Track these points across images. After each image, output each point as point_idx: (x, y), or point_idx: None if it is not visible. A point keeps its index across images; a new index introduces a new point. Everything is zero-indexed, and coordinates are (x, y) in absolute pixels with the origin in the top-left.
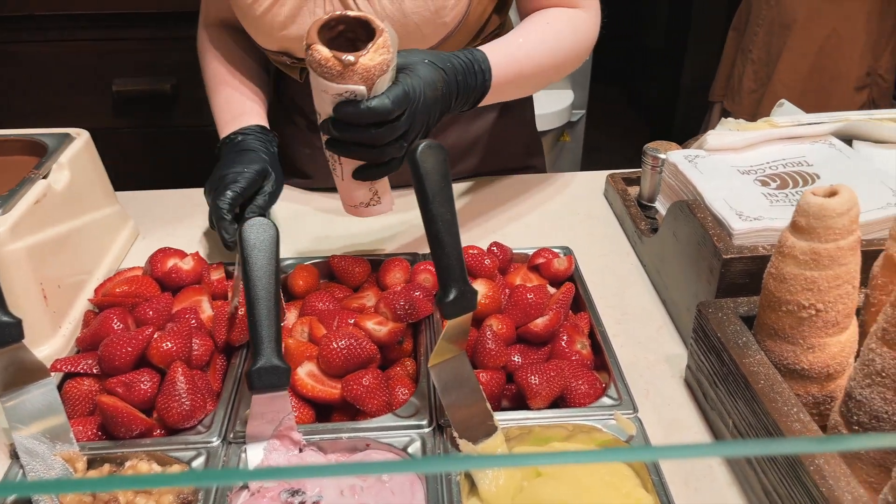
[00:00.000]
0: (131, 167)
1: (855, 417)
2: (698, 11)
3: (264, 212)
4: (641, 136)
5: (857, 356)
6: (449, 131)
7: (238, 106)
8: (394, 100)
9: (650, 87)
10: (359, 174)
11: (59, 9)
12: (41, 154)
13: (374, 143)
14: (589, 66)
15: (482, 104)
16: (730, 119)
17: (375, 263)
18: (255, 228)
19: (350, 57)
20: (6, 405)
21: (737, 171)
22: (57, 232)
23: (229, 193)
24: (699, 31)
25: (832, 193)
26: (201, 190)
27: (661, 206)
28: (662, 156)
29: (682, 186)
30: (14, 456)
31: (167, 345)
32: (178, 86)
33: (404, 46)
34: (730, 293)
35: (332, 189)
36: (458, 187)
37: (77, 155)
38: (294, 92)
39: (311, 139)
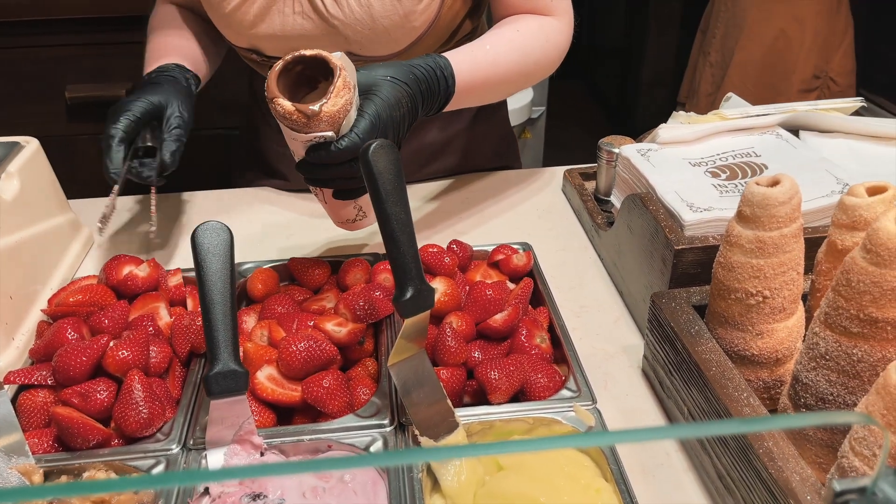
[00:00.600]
0: (86, 174)
1: (802, 400)
2: (656, 7)
3: (175, 141)
4: (601, 131)
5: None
6: (425, 131)
7: (162, 50)
8: (362, 135)
9: (608, 82)
10: (339, 195)
11: (9, 15)
12: None
13: (353, 176)
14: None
15: (447, 109)
16: (681, 112)
17: (336, 265)
18: (208, 232)
19: (314, 107)
20: None
21: (688, 163)
22: (7, 242)
23: (122, 121)
24: (658, 27)
25: (774, 183)
26: (156, 195)
27: (616, 199)
28: (616, 150)
29: (635, 180)
30: None
31: (123, 353)
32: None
33: (374, 50)
34: (682, 283)
35: (307, 189)
36: (428, 187)
37: (26, 163)
38: (262, 89)
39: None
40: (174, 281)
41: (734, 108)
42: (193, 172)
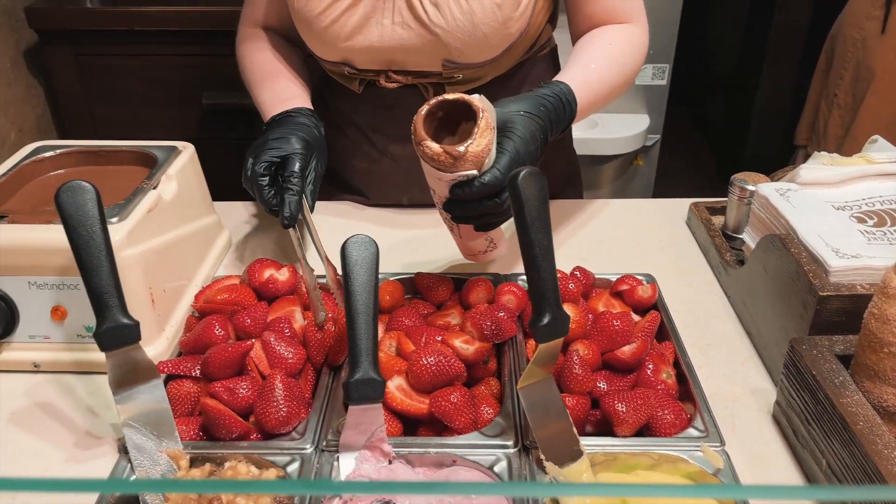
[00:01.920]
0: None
1: None
2: (775, 38)
3: (313, 191)
4: (709, 162)
5: None
6: None
7: (286, 92)
8: (503, 170)
9: (716, 111)
10: (479, 228)
11: (156, 25)
12: (151, 165)
13: (495, 211)
14: (666, 92)
15: None
16: (823, 153)
17: (458, 282)
18: (357, 245)
19: (460, 148)
20: (118, 402)
21: (831, 206)
22: (164, 239)
23: (297, 166)
24: (775, 59)
25: None
26: None
27: (749, 238)
28: (751, 187)
29: (773, 220)
30: (122, 450)
31: (265, 354)
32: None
33: (471, 57)
34: (823, 331)
35: (388, 204)
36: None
37: (183, 167)
38: (347, 105)
39: (368, 152)
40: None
41: (882, 151)
42: None
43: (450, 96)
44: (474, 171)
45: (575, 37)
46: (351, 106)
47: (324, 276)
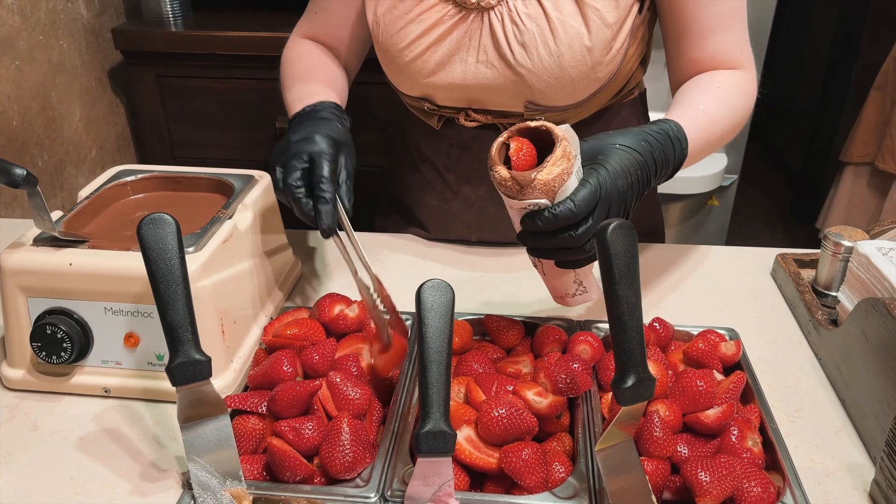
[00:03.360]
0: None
1: None
2: (859, 76)
3: (348, 191)
4: (784, 203)
5: None
6: None
7: (312, 90)
8: (579, 203)
9: (792, 149)
10: (561, 264)
11: (235, 49)
12: (228, 193)
13: (571, 246)
14: (747, 130)
15: None
16: None
17: (528, 326)
18: (433, 290)
19: (530, 174)
20: (185, 435)
21: None
22: (237, 270)
23: (326, 171)
24: (859, 97)
25: None
26: (364, 234)
27: (844, 298)
28: (848, 243)
29: (874, 281)
30: (186, 485)
31: (331, 394)
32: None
33: (555, 100)
34: None
35: (450, 240)
36: None
37: (259, 197)
38: (423, 140)
39: (441, 191)
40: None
41: None
42: None
43: (532, 123)
44: (545, 201)
45: (676, 82)
46: (428, 143)
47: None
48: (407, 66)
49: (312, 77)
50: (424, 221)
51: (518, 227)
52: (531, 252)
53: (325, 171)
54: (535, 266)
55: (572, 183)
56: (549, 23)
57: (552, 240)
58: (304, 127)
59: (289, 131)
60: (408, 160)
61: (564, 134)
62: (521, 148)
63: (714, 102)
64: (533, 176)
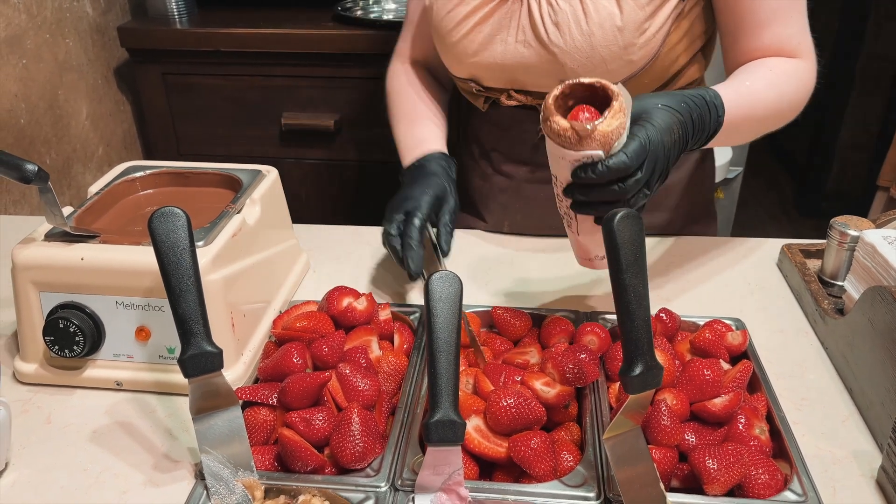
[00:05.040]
0: (289, 196)
1: None
2: (863, 68)
3: (446, 234)
4: (787, 194)
5: None
6: None
7: (421, 134)
8: (631, 155)
9: (796, 142)
10: (598, 220)
11: (241, 47)
12: (236, 188)
13: (618, 199)
14: None
15: (710, 145)
16: None
17: (535, 318)
18: (440, 281)
19: (588, 126)
20: (197, 427)
21: None
22: (246, 263)
23: (416, 222)
24: (862, 91)
25: None
26: (369, 228)
27: (851, 287)
28: (854, 233)
29: (880, 270)
30: (199, 476)
31: (340, 385)
32: (340, 122)
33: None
34: None
35: (505, 232)
36: None
37: (267, 191)
38: (475, 122)
39: (483, 171)
40: (384, 315)
41: None
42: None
43: (585, 80)
44: (600, 153)
45: (730, 72)
46: (476, 124)
47: None
48: (455, 46)
49: (418, 115)
50: (475, 204)
51: (563, 182)
52: (575, 206)
53: (416, 223)
54: (568, 227)
55: (623, 138)
56: (583, 4)
57: (601, 192)
58: (413, 185)
59: (401, 185)
60: (462, 144)
61: (620, 91)
62: (582, 107)
63: (761, 82)
64: (594, 126)
